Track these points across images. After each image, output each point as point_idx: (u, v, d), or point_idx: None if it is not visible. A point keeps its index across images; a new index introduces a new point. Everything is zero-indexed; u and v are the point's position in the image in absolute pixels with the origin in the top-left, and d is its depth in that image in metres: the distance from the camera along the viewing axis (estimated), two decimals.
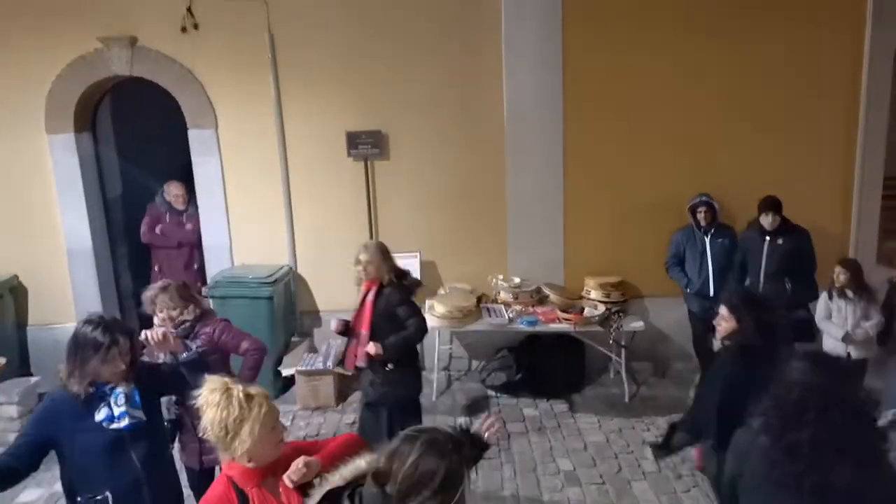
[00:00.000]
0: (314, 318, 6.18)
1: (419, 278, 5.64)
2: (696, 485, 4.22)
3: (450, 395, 5.71)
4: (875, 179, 5.82)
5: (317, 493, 1.88)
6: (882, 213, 5.96)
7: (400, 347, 3.96)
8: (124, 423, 2.60)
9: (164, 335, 2.96)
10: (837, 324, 4.76)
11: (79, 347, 2.56)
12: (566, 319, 5.27)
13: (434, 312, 5.49)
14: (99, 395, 2.60)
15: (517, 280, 5.74)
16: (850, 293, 4.76)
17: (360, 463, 1.84)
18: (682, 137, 5.73)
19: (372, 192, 5.90)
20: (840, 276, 4.78)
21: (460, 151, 5.86)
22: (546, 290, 5.68)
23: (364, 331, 3.99)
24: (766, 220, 4.97)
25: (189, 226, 6.08)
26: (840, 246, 5.81)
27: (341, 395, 5.63)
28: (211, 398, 2.04)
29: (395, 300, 3.97)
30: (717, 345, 3.28)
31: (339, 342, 6.02)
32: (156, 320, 3.39)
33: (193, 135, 5.83)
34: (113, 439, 2.59)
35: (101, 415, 2.59)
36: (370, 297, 4.01)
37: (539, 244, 5.87)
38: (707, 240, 5.35)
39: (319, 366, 5.54)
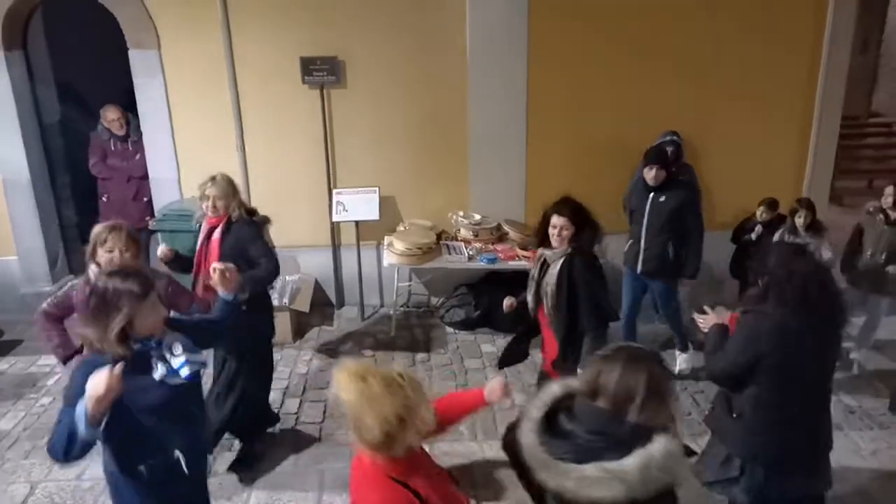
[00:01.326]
0: None
1: (377, 215, 5.60)
2: None
3: (408, 331, 5.70)
4: (833, 118, 5.84)
5: (525, 426, 1.81)
6: (840, 152, 6.03)
7: (252, 288, 3.58)
8: (185, 372, 2.37)
9: (227, 269, 2.76)
10: None
11: (110, 304, 2.25)
12: (525, 257, 5.25)
13: (393, 249, 5.39)
14: (147, 352, 2.34)
15: (477, 217, 5.66)
16: (801, 232, 4.88)
17: (554, 388, 1.90)
18: (646, 75, 5.60)
19: (328, 123, 5.66)
20: (798, 214, 4.88)
21: (421, 83, 5.62)
22: (506, 227, 5.62)
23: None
24: (650, 175, 4.52)
25: (138, 156, 5.76)
26: (794, 184, 5.89)
27: (298, 332, 5.55)
28: (368, 390, 1.76)
29: (246, 237, 3.68)
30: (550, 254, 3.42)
31: (296, 278, 5.93)
32: (99, 261, 3.10)
33: (134, 56, 5.43)
34: (175, 395, 2.35)
35: (159, 372, 2.34)
36: (216, 234, 3.69)
37: (500, 181, 5.76)
38: None
39: (275, 303, 5.41)
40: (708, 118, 5.69)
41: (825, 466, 2.77)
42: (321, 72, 5.47)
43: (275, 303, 5.39)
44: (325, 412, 4.47)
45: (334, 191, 5.71)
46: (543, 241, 3.44)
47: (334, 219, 5.68)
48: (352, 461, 1.97)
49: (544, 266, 3.44)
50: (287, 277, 5.70)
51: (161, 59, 5.42)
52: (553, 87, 5.61)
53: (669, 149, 5.03)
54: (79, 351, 3.04)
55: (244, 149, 5.68)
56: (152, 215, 5.60)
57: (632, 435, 1.71)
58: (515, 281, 5.56)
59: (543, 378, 3.60)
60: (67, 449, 2.12)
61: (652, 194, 4.56)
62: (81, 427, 2.06)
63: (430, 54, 5.55)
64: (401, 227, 5.79)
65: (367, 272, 5.88)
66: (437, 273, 5.86)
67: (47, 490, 3.68)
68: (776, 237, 5.03)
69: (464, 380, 4.86)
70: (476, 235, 5.54)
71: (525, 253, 5.28)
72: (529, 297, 3.55)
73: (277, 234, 5.91)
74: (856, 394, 4.63)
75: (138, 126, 5.69)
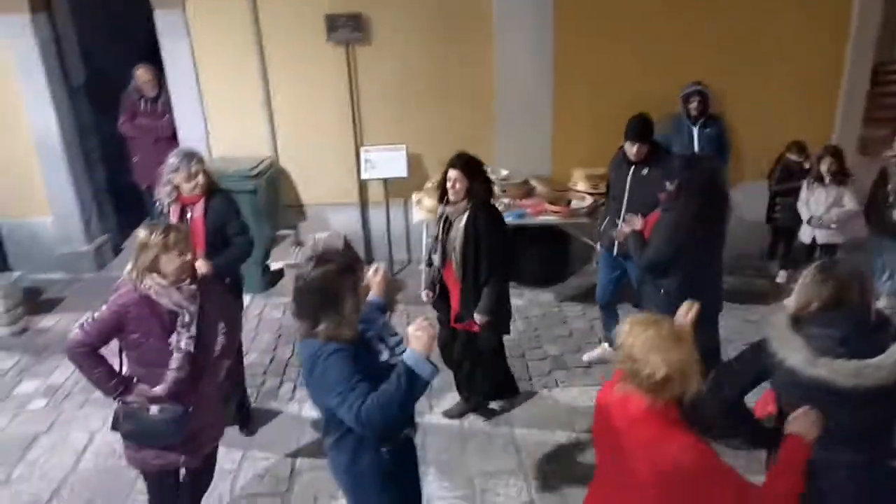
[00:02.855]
0: (299, 212, 6.11)
1: (405, 172, 5.65)
2: None
3: None
4: (864, 65, 5.76)
5: (786, 353, 2.08)
6: (868, 100, 5.97)
7: (230, 267, 3.61)
8: (401, 347, 2.26)
9: (380, 268, 2.63)
10: (811, 209, 4.93)
11: (329, 289, 2.13)
12: (554, 212, 5.30)
13: (422, 206, 5.46)
14: (366, 333, 2.26)
15: (504, 172, 5.69)
16: (827, 179, 4.90)
17: (781, 317, 2.17)
18: (673, 26, 5.52)
19: (354, 81, 5.66)
20: (824, 161, 4.88)
21: (447, 39, 5.58)
22: (533, 183, 5.66)
23: (200, 250, 3.35)
24: (631, 151, 4.10)
25: (166, 117, 5.81)
26: (824, 131, 5.84)
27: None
28: (659, 333, 1.89)
29: (226, 211, 3.55)
30: None
31: (325, 236, 6.02)
32: (165, 270, 2.66)
33: (160, 16, 5.44)
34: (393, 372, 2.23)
35: (384, 353, 2.28)
36: (197, 212, 3.50)
37: (527, 136, 5.77)
38: (695, 130, 5.32)
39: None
40: (735, 68, 5.62)
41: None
42: (346, 28, 5.45)
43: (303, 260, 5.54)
44: None
45: (362, 148, 5.76)
46: (443, 196, 3.63)
47: (362, 176, 5.74)
48: (599, 403, 2.13)
49: (447, 224, 3.62)
50: (316, 235, 5.79)
51: (186, 18, 5.42)
52: (580, 40, 5.55)
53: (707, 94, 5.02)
54: (129, 378, 2.70)
55: (271, 107, 5.72)
56: None
57: (881, 330, 2.09)
58: (543, 236, 5.67)
59: (446, 333, 3.82)
60: (405, 404, 2.08)
61: (633, 168, 4.12)
62: (425, 370, 2.05)
63: (455, 9, 5.51)
64: (429, 184, 5.82)
65: (395, 229, 5.97)
66: None
67: (106, 439, 3.87)
68: (803, 186, 5.06)
69: None
70: (504, 191, 5.58)
71: (554, 207, 5.32)
72: (435, 257, 3.72)
73: (305, 192, 6.07)
74: None
75: (167, 87, 5.73)
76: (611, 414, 2.04)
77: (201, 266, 3.13)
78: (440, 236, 3.65)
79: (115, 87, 5.98)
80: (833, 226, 4.99)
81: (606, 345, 4.50)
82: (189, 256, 2.68)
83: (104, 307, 2.63)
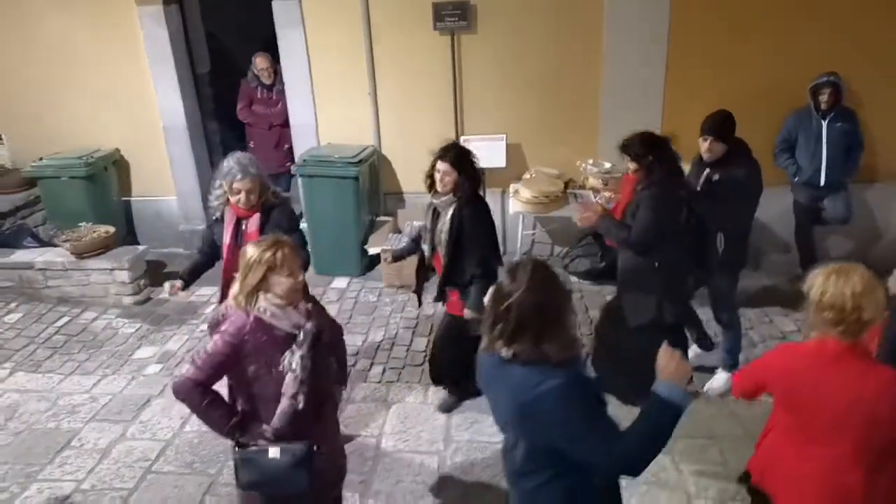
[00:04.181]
0: (398, 200, 6.21)
1: (504, 162, 5.59)
2: None
3: None
4: None
5: None
6: None
7: None
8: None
9: None
10: None
11: (553, 303, 1.97)
12: None
13: (519, 197, 5.38)
14: None
15: (608, 165, 5.49)
16: None
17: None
18: (803, 14, 5.09)
19: (458, 70, 5.66)
20: None
21: (554, 30, 5.45)
22: None
23: None
24: (704, 147, 3.83)
25: (280, 104, 6.09)
26: None
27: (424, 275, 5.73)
28: (864, 280, 2.07)
29: (285, 228, 3.22)
30: None
31: (419, 224, 6.09)
32: (276, 290, 2.45)
33: (277, 6, 5.68)
34: None
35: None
36: (253, 226, 3.25)
37: (634, 126, 5.50)
38: (825, 124, 4.87)
39: (404, 245, 5.61)
40: (874, 55, 5.09)
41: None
42: (453, 17, 5.45)
43: (404, 246, 5.61)
44: None
45: (462, 137, 5.75)
46: (432, 186, 3.62)
47: None
48: (783, 362, 2.26)
49: (436, 214, 3.62)
50: (414, 222, 5.86)
51: (301, 8, 5.63)
52: (697, 35, 5.25)
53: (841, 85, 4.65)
54: (245, 416, 2.46)
55: (376, 95, 5.83)
56: (293, 161, 5.92)
57: None
58: None
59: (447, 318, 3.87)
60: (664, 440, 1.88)
61: (707, 171, 3.85)
62: (684, 400, 1.89)
63: (565, 0, 5.36)
64: (527, 175, 5.75)
65: None
66: (563, 222, 5.79)
67: None
68: None
69: (588, 329, 4.83)
70: (605, 184, 5.38)
71: None
72: (425, 247, 3.78)
73: (406, 180, 6.15)
74: None
75: (282, 76, 5.99)
76: (807, 365, 2.14)
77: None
78: (429, 226, 3.69)
79: (236, 76, 6.34)
80: None
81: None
82: (301, 277, 2.44)
83: (216, 339, 2.36)
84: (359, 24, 5.60)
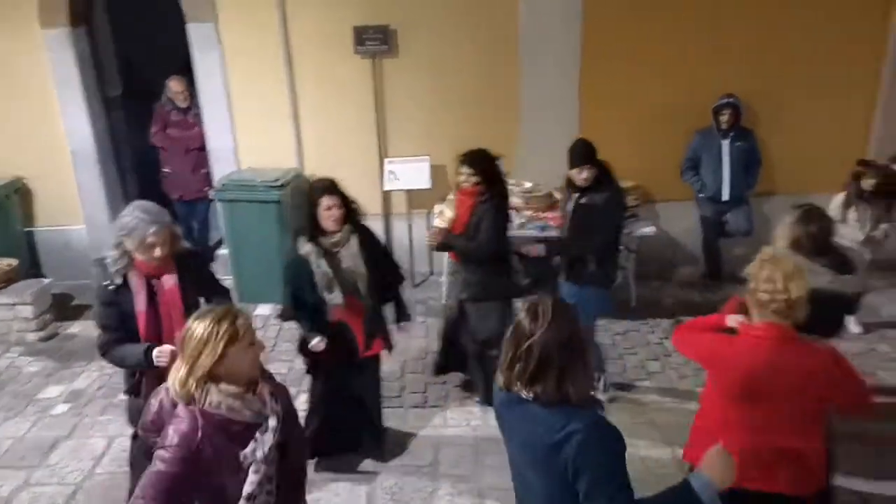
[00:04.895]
0: None
1: (429, 183, 5.64)
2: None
3: None
4: None
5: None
6: None
7: None
8: None
9: None
10: (854, 227, 4.68)
11: (574, 343, 1.90)
12: None
13: (444, 218, 5.42)
14: None
15: (528, 184, 5.64)
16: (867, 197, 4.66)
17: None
18: (706, 37, 5.44)
19: (380, 93, 5.69)
20: (865, 177, 4.63)
21: (473, 51, 5.59)
22: (558, 195, 5.58)
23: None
24: (580, 177, 3.85)
25: (196, 128, 5.93)
26: (859, 145, 5.65)
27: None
28: (792, 264, 2.35)
29: (208, 275, 3.22)
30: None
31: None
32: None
33: (192, 28, 5.56)
34: None
35: None
36: (169, 283, 2.88)
37: (551, 149, 5.62)
38: (726, 143, 5.21)
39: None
40: (768, 79, 5.50)
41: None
42: (374, 41, 5.49)
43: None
44: None
45: (385, 159, 5.77)
46: (315, 229, 3.27)
47: (385, 187, 5.74)
48: (714, 347, 2.46)
49: (334, 258, 3.30)
50: None
51: (218, 31, 5.53)
52: (608, 53, 5.50)
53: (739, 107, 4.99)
54: None
55: (298, 118, 5.78)
56: (211, 186, 5.76)
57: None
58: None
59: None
60: None
61: (576, 195, 3.95)
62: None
63: (481, 22, 5.51)
64: (451, 196, 5.81)
65: (417, 240, 5.94)
66: None
67: (123, 445, 3.89)
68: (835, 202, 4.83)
69: None
70: (527, 203, 5.52)
71: None
72: (332, 296, 3.33)
73: None
74: None
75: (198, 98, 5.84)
76: (742, 347, 2.34)
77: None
78: (329, 274, 3.28)
79: (149, 99, 6.14)
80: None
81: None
82: (261, 345, 2.08)
83: (162, 455, 1.88)
84: (278, 46, 5.56)
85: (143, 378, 2.90)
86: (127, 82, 6.52)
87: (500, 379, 1.97)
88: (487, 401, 3.93)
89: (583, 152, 3.79)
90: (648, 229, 5.43)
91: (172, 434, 1.91)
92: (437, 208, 5.67)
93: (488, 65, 5.61)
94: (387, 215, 6.04)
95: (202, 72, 5.69)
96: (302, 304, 3.39)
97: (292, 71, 5.65)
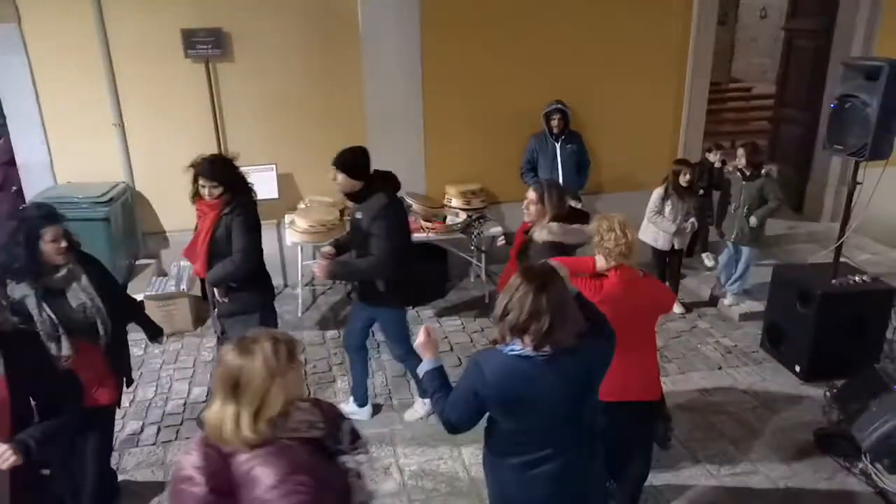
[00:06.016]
0: (161, 239, 5.71)
1: (276, 193, 5.45)
2: None
3: (316, 310, 5.64)
4: (702, 84, 6.32)
5: None
6: (708, 116, 6.56)
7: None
8: None
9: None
10: (669, 219, 5.27)
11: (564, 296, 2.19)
12: (430, 229, 5.33)
13: (296, 227, 5.29)
14: None
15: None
16: (682, 192, 5.29)
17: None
18: (535, 49, 5.80)
19: (217, 99, 5.41)
20: (682, 173, 5.25)
21: (312, 54, 5.49)
22: (409, 200, 5.64)
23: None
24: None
25: (2, 141, 5.24)
26: (671, 145, 6.36)
27: (199, 319, 5.34)
28: (613, 223, 2.87)
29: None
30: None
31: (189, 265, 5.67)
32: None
33: None
34: None
35: None
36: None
37: (399, 154, 5.73)
38: (558, 146, 5.58)
39: (172, 289, 5.18)
40: (592, 87, 5.99)
41: None
42: (205, 45, 5.20)
43: (172, 289, 5.18)
44: None
45: None
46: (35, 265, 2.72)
47: None
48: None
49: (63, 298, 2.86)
50: (182, 263, 5.45)
51: (22, 33, 4.95)
52: (447, 58, 5.67)
53: (567, 112, 5.43)
54: None
55: (124, 127, 5.32)
56: (24, 204, 5.13)
57: None
58: (420, 253, 5.67)
59: None
60: None
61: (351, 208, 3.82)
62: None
63: (320, 24, 5.43)
64: (301, 205, 5.68)
65: (268, 252, 5.67)
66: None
67: None
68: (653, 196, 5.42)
69: (376, 352, 4.90)
70: None
71: (429, 224, 5.35)
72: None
73: (167, 218, 5.70)
74: (731, 334, 5.16)
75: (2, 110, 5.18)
76: (618, 289, 2.78)
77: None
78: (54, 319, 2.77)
79: None
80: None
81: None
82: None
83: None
84: (96, 50, 5.08)
85: None
86: None
87: (519, 343, 2.09)
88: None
89: (338, 156, 3.63)
90: (496, 229, 5.69)
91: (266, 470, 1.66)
92: (287, 218, 5.51)
93: (330, 67, 5.55)
94: None
95: (6, 80, 5.06)
96: None
97: (114, 76, 5.19)
